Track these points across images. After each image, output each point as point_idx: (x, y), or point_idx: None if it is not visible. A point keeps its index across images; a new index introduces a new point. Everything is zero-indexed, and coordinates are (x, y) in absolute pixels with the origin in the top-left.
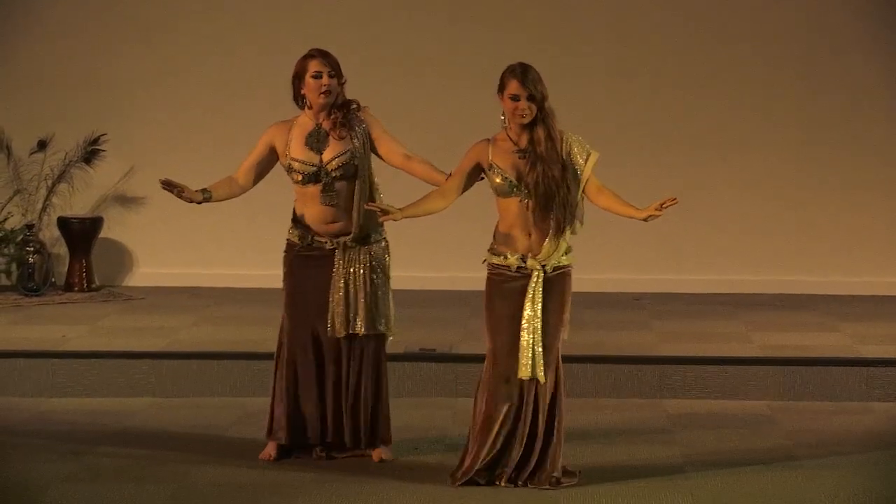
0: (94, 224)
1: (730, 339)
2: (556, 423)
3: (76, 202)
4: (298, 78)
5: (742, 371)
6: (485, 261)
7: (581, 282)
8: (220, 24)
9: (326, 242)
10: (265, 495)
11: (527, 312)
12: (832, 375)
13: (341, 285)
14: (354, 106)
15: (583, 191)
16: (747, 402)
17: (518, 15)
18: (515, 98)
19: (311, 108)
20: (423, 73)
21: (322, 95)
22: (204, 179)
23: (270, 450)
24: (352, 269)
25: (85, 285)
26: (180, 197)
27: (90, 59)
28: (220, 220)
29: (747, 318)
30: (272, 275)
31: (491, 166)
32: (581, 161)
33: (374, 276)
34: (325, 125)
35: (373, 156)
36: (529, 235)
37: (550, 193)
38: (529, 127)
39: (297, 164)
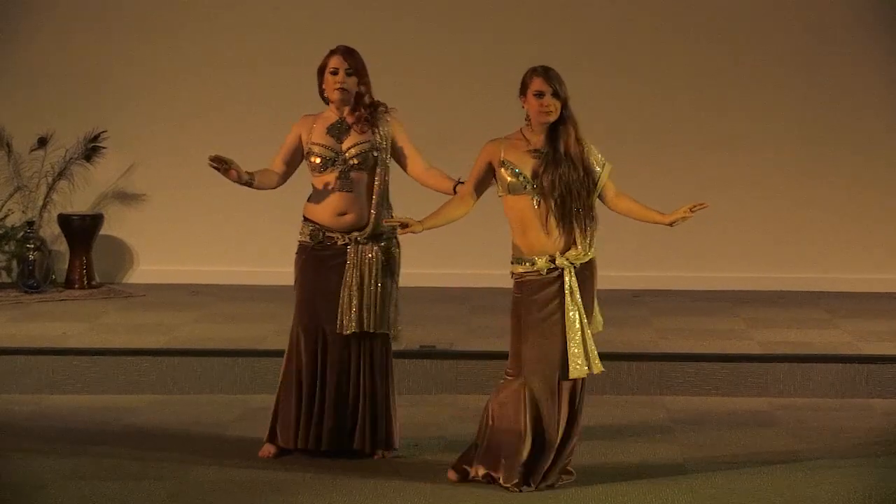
0: (95, 221)
1: (730, 336)
2: (577, 421)
3: (76, 199)
4: (320, 73)
5: (742, 368)
6: (511, 273)
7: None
8: (221, 22)
9: (338, 238)
10: (266, 493)
11: (570, 314)
12: (833, 372)
13: (353, 281)
14: (382, 108)
15: (597, 197)
16: (748, 398)
17: (521, 17)
18: (540, 94)
19: (331, 102)
20: (427, 74)
21: (336, 91)
22: (203, 176)
23: (270, 448)
24: (364, 267)
25: (85, 282)
26: (226, 174)
27: (91, 56)
28: (220, 217)
29: (748, 315)
30: (272, 272)
31: (503, 163)
32: (598, 169)
33: (384, 275)
34: (349, 120)
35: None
36: (548, 235)
37: (570, 195)
38: (552, 128)
39: (316, 147)
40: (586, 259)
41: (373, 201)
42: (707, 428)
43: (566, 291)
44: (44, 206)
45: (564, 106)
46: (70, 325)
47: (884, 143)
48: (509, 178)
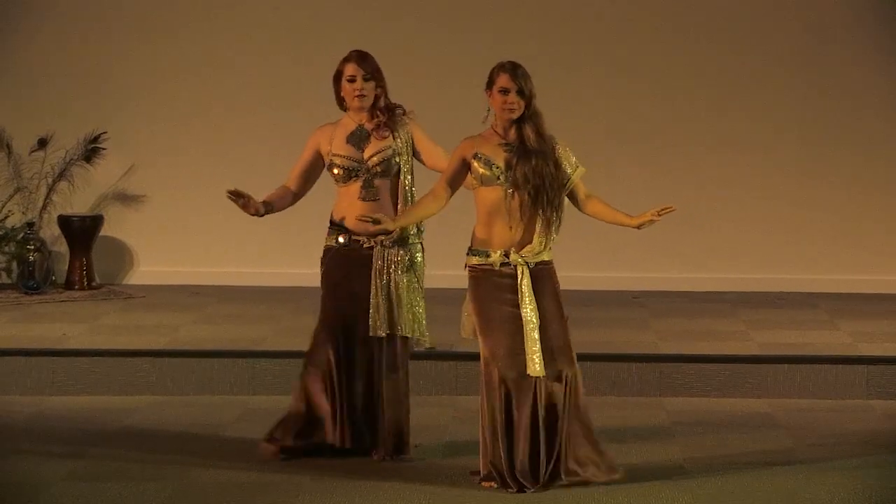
0: (95, 222)
1: (730, 338)
2: (562, 418)
3: (76, 200)
4: (337, 80)
5: (742, 369)
6: (465, 264)
7: (580, 280)
8: (221, 23)
9: (364, 242)
10: (265, 494)
11: (525, 312)
12: (832, 374)
13: (381, 286)
14: (400, 111)
15: (566, 196)
16: (747, 400)
17: (521, 17)
18: (505, 91)
19: (350, 109)
20: (427, 74)
21: (356, 99)
22: (203, 177)
23: (276, 448)
24: (391, 271)
25: (85, 283)
26: (244, 208)
27: (91, 57)
28: (220, 218)
29: (747, 317)
30: (272, 273)
31: (476, 155)
32: (569, 170)
33: (410, 279)
34: (368, 126)
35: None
36: (510, 228)
37: (541, 187)
38: (517, 124)
39: (338, 159)
40: (541, 258)
41: (398, 207)
42: (707, 429)
43: (521, 291)
44: (44, 207)
45: (528, 104)
46: (70, 326)
47: (884, 143)
48: (482, 170)
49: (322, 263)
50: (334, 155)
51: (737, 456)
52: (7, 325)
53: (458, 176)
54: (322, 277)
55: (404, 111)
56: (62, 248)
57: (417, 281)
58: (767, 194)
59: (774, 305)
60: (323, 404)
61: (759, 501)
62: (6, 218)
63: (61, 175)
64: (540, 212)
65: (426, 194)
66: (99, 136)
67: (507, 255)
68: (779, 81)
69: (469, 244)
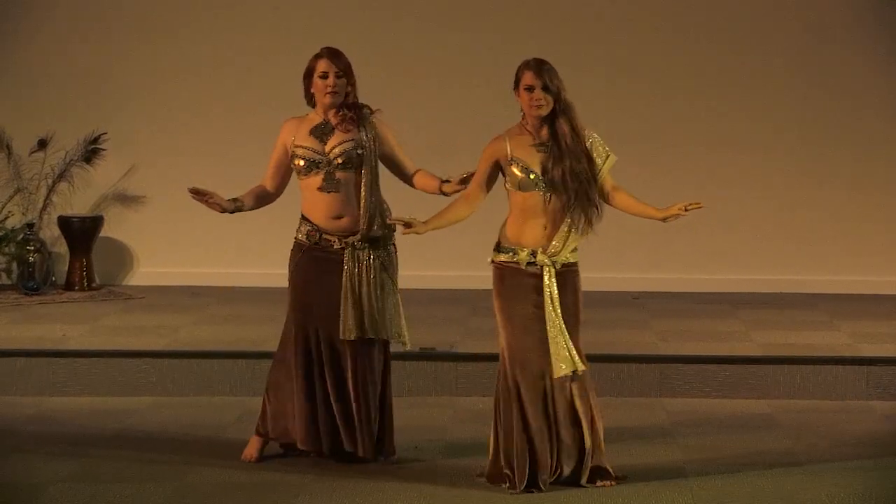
0: (95, 223)
1: (730, 338)
2: (580, 417)
3: (76, 201)
4: (308, 76)
5: (742, 370)
6: (491, 260)
7: (581, 280)
8: (221, 23)
9: (334, 241)
10: (265, 494)
11: (549, 312)
12: (833, 374)
13: (351, 288)
14: (367, 110)
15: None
16: (748, 400)
17: (521, 17)
18: (530, 89)
19: (319, 105)
20: (427, 74)
21: (328, 95)
22: (203, 177)
23: (252, 450)
24: (362, 274)
25: (85, 284)
26: (209, 205)
27: (91, 58)
28: (220, 219)
29: (747, 317)
30: (272, 274)
31: (512, 160)
32: (600, 161)
33: (383, 281)
34: (333, 120)
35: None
36: (545, 229)
37: (578, 188)
38: (549, 120)
39: (300, 150)
40: (566, 259)
41: (362, 205)
42: (707, 430)
43: (546, 292)
44: (44, 207)
45: (557, 98)
46: (70, 327)
47: (884, 144)
48: (520, 175)
49: (291, 259)
50: (296, 146)
51: (737, 457)
52: (7, 326)
53: (490, 178)
54: (291, 274)
55: (371, 110)
56: (62, 248)
57: (391, 282)
58: (767, 194)
59: (776, 300)
60: (289, 405)
61: (759, 502)
62: (6, 219)
63: (61, 176)
64: (576, 210)
65: (458, 197)
66: (99, 136)
67: (533, 254)
68: (779, 81)
69: (497, 240)
